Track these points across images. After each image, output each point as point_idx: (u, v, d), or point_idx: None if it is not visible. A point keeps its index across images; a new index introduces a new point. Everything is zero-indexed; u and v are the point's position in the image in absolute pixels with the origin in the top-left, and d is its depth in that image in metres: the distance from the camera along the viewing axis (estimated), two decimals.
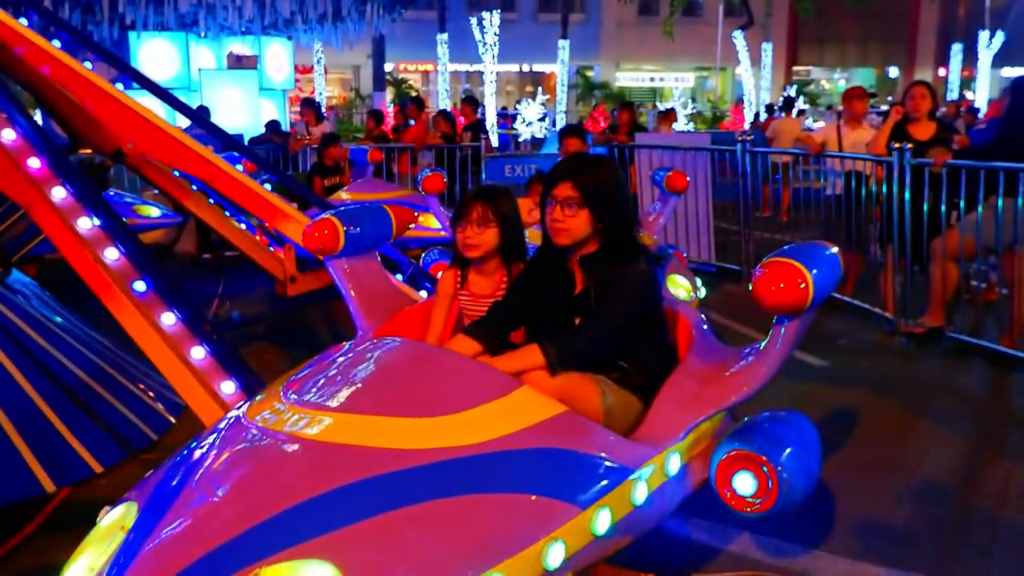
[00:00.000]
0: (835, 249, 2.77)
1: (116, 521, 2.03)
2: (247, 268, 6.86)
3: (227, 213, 6.24)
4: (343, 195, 8.64)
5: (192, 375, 3.36)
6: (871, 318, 6.78)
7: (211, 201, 5.97)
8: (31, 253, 5.78)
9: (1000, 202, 5.74)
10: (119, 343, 5.17)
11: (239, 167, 6.38)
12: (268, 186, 6.22)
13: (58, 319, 4.84)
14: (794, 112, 17.20)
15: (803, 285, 2.35)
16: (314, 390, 2.30)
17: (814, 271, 2.38)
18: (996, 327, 6.27)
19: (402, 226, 3.48)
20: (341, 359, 2.48)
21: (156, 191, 7.97)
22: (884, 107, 29.92)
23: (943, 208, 6.28)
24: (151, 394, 4.79)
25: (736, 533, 3.42)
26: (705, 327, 3.21)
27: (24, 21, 4.93)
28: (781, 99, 26.02)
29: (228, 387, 3.30)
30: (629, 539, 2.51)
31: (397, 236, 3.57)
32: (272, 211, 4.88)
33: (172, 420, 4.61)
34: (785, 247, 2.56)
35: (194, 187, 5.84)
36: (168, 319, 3.51)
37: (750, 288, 2.48)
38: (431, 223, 7.39)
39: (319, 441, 2.08)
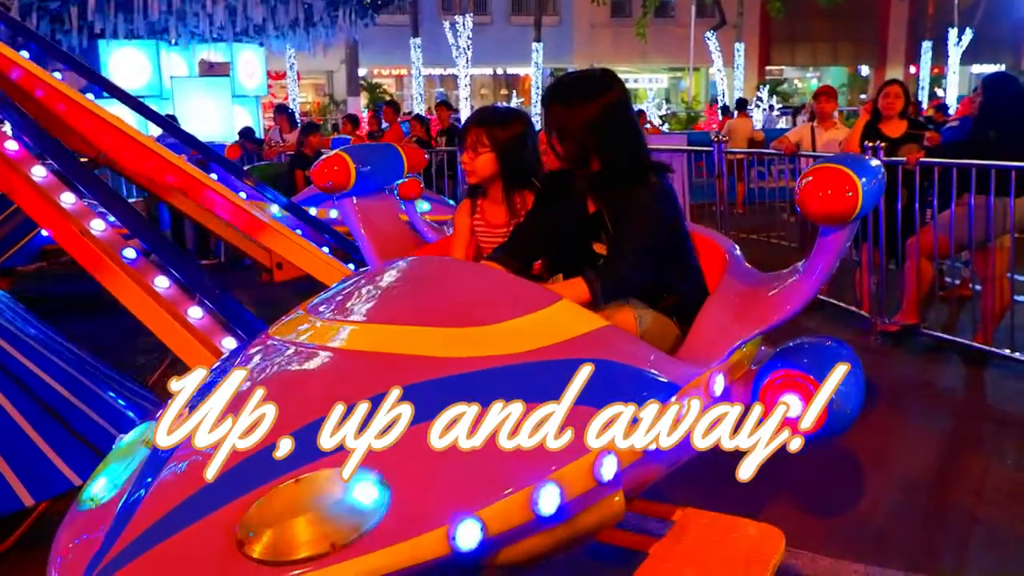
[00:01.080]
0: (877, 162, 2.67)
1: (139, 438, 1.96)
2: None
3: None
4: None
5: (191, 335, 3.32)
6: (847, 316, 6.83)
7: None
8: (4, 265, 5.74)
9: (972, 200, 5.79)
10: (93, 354, 5.16)
11: (214, 176, 6.40)
12: (243, 194, 6.20)
13: (32, 331, 4.79)
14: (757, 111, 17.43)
15: (851, 193, 2.29)
16: (345, 305, 2.22)
17: (863, 179, 2.32)
18: (970, 323, 6.33)
19: (414, 166, 3.43)
20: (371, 276, 2.38)
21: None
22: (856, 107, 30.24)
23: (916, 206, 6.35)
24: (124, 403, 4.76)
25: None
26: (737, 252, 3.13)
27: None
28: (755, 98, 26.23)
29: (229, 343, 3.25)
30: (671, 466, 2.44)
31: (408, 173, 3.51)
32: (247, 219, 4.85)
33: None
34: (831, 155, 2.44)
35: None
36: (162, 282, 3.49)
37: (796, 197, 2.40)
38: (420, 206, 7.49)
39: (352, 350, 2.01)
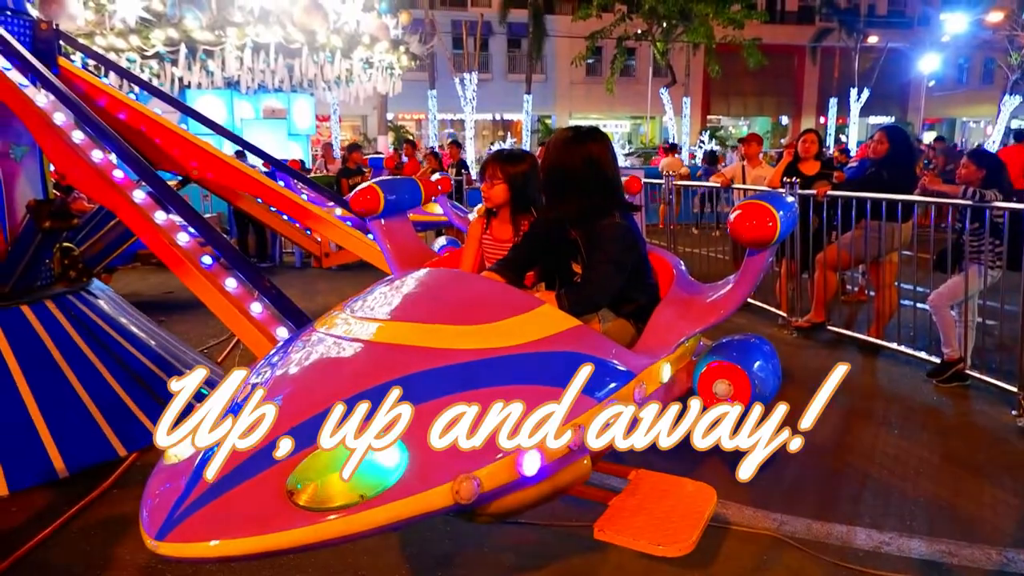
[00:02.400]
0: (792, 198, 2.69)
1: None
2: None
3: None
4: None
5: (253, 325, 3.33)
6: (768, 315, 6.84)
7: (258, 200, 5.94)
8: (108, 265, 5.74)
9: (868, 224, 5.80)
10: (173, 336, 5.15)
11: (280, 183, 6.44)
12: (305, 195, 6.35)
13: (128, 318, 4.80)
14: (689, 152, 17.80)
15: (771, 223, 2.31)
16: (373, 306, 2.22)
17: (781, 212, 2.34)
18: (865, 322, 6.34)
19: (428, 196, 3.44)
20: (395, 283, 2.39)
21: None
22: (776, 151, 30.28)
23: (824, 229, 6.36)
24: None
25: None
26: (682, 267, 3.14)
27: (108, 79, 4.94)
28: (698, 140, 26.25)
29: (282, 332, 3.24)
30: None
31: (425, 203, 3.51)
32: (305, 213, 4.91)
33: None
34: (755, 193, 2.44)
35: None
36: (231, 283, 3.49)
37: (728, 224, 2.41)
38: (434, 209, 7.54)
39: (379, 342, 2.01)
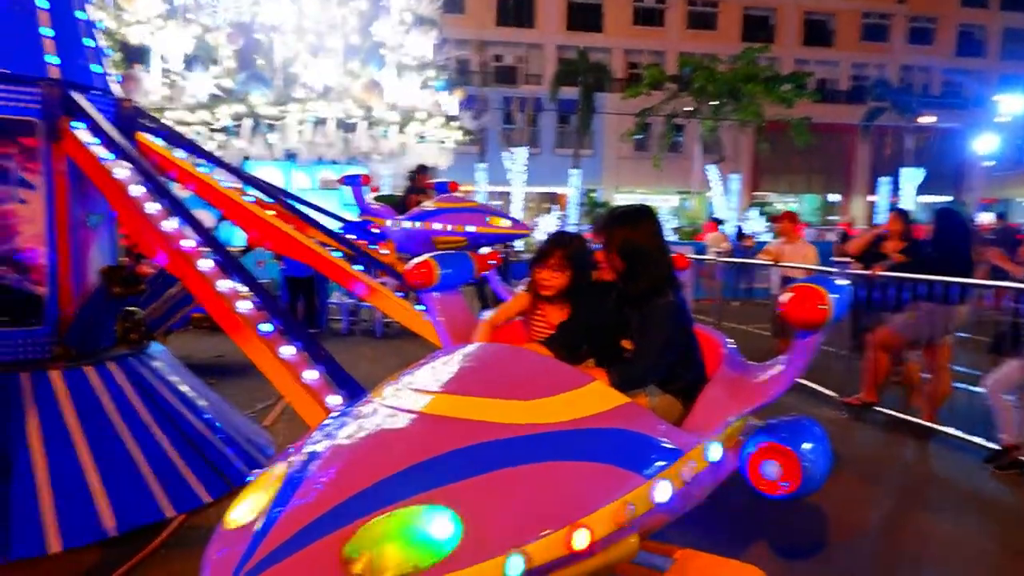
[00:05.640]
0: (847, 281, 2.72)
1: (272, 473, 1.99)
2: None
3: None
4: (428, 204, 8.81)
5: (307, 393, 3.37)
6: (817, 395, 6.70)
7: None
8: (169, 329, 5.93)
9: (922, 306, 5.72)
10: (224, 399, 5.26)
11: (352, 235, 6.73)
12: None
13: (181, 378, 4.92)
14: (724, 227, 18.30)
15: (823, 306, 2.33)
16: (428, 378, 2.25)
17: (833, 295, 2.35)
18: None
19: (481, 269, 3.47)
20: (450, 355, 2.43)
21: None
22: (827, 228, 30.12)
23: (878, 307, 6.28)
24: (248, 439, 4.84)
25: None
26: (732, 344, 3.14)
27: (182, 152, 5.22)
28: (744, 218, 26.27)
29: (334, 400, 3.27)
30: (675, 514, 2.44)
31: (477, 277, 3.54)
32: (354, 282, 5.01)
33: (265, 461, 4.62)
34: (809, 276, 2.47)
35: None
36: (287, 351, 3.53)
37: (780, 307, 2.43)
38: (500, 223, 7.60)
39: (434, 415, 2.04)
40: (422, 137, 13.26)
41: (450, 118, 13.63)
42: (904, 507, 4.38)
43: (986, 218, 26.43)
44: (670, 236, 23.63)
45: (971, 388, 5.56)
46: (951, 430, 5.53)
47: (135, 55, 11.02)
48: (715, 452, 2.55)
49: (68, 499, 3.81)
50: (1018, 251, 5.23)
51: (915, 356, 6.21)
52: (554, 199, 35.37)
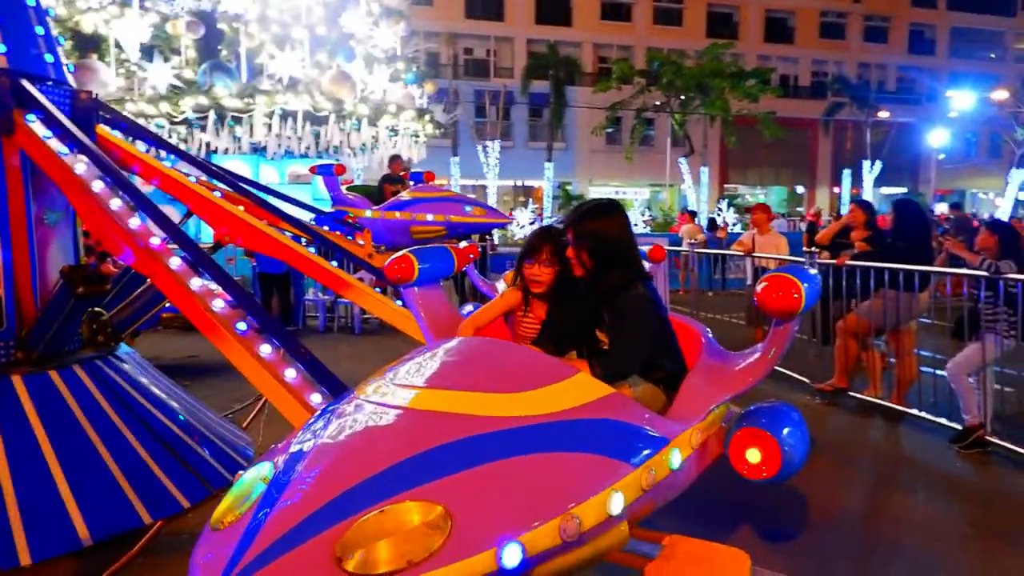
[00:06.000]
0: (815, 270, 2.76)
1: (256, 475, 1.96)
2: None
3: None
4: (405, 195, 8.75)
5: (287, 391, 3.29)
6: (790, 381, 6.80)
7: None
8: (138, 330, 5.81)
9: (886, 294, 5.83)
10: (199, 400, 5.17)
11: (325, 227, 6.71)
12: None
13: (153, 381, 4.81)
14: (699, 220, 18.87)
15: (796, 295, 2.36)
16: (413, 373, 2.23)
17: (805, 284, 2.38)
18: (886, 388, 6.30)
19: (461, 263, 3.42)
20: (433, 350, 2.40)
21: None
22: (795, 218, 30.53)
23: (844, 297, 6.38)
24: (225, 441, 4.75)
25: None
26: (710, 335, 3.17)
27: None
28: (717, 210, 26.55)
29: (316, 398, 3.20)
30: (663, 501, 2.45)
31: (458, 271, 3.47)
32: (339, 282, 4.89)
33: (244, 463, 4.56)
34: (782, 266, 2.50)
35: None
36: (265, 349, 3.45)
37: (755, 296, 2.46)
38: (478, 212, 7.63)
39: (421, 410, 2.02)
40: (394, 131, 13.16)
41: (422, 111, 13.55)
42: (877, 488, 4.48)
43: (942, 208, 27.06)
44: (645, 228, 23.84)
45: (936, 372, 5.68)
46: (919, 412, 5.66)
47: (89, 44, 10.71)
48: (698, 439, 2.57)
49: (37, 509, 3.67)
50: (976, 240, 5.35)
51: (880, 343, 6.33)
52: (528, 192, 35.42)
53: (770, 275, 2.44)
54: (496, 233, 17.49)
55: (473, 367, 2.29)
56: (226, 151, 12.53)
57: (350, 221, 7.52)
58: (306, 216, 7.47)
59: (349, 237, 6.92)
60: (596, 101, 30.23)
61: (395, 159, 10.82)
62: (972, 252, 5.30)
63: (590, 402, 2.21)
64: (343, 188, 7.76)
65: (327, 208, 8.34)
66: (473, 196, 12.03)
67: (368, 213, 7.85)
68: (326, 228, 6.42)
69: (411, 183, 9.95)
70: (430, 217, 7.81)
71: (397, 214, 7.90)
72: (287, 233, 5.35)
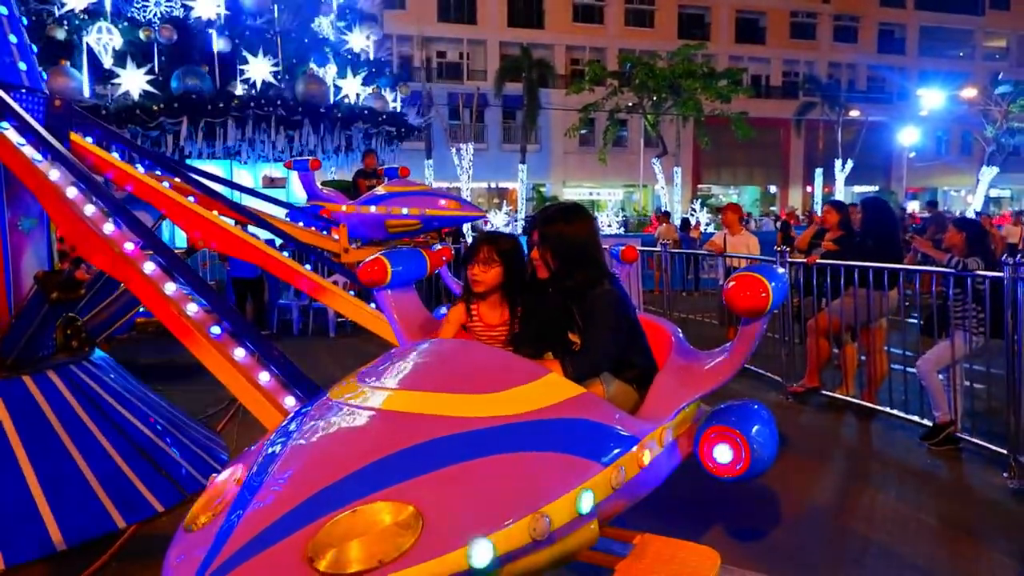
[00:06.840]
0: (783, 269, 2.77)
1: (229, 478, 1.96)
2: None
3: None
4: (380, 189, 8.64)
5: (262, 395, 3.29)
6: (764, 380, 6.87)
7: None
8: (112, 335, 5.75)
9: (856, 291, 5.89)
10: (173, 405, 5.14)
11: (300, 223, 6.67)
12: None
13: (128, 386, 4.79)
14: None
15: (764, 294, 2.37)
16: (385, 375, 2.23)
17: (773, 283, 2.40)
18: (857, 385, 6.38)
19: (434, 266, 3.40)
20: (407, 352, 2.41)
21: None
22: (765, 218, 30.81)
23: (814, 295, 6.45)
24: (199, 445, 4.73)
25: None
26: (680, 335, 3.19)
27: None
28: (690, 210, 26.75)
29: (290, 401, 3.20)
30: (633, 500, 2.46)
31: (430, 274, 3.47)
32: (313, 285, 4.91)
33: (218, 467, 4.54)
34: (750, 265, 2.52)
35: None
36: (239, 353, 3.44)
37: (724, 295, 2.47)
38: (452, 205, 7.56)
39: (393, 411, 2.03)
40: (367, 133, 13.13)
41: (395, 115, 13.54)
42: (848, 485, 4.52)
43: (913, 206, 27.47)
44: (619, 229, 23.93)
45: (907, 369, 5.75)
46: (890, 410, 5.71)
47: (62, 51, 10.60)
48: (668, 438, 2.60)
49: (10, 514, 3.66)
50: (943, 237, 5.44)
51: (851, 341, 6.41)
52: (503, 194, 35.43)
53: (738, 274, 2.46)
54: (470, 234, 17.52)
55: (445, 369, 2.30)
56: (200, 155, 12.44)
57: (324, 215, 7.50)
58: (281, 213, 7.44)
59: (325, 232, 6.90)
60: (569, 103, 30.32)
61: (369, 153, 10.79)
62: (940, 250, 5.38)
63: (560, 402, 2.23)
64: (318, 183, 7.71)
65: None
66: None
67: (344, 208, 7.82)
68: (301, 224, 6.37)
69: (386, 178, 9.92)
70: (405, 211, 7.79)
71: (372, 208, 7.86)
72: (262, 236, 5.34)
